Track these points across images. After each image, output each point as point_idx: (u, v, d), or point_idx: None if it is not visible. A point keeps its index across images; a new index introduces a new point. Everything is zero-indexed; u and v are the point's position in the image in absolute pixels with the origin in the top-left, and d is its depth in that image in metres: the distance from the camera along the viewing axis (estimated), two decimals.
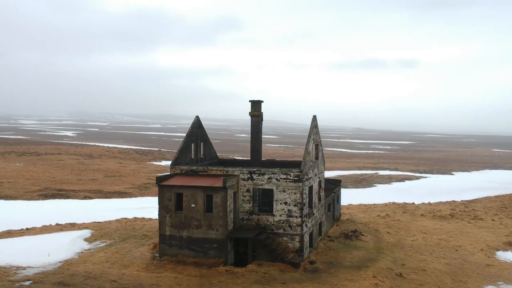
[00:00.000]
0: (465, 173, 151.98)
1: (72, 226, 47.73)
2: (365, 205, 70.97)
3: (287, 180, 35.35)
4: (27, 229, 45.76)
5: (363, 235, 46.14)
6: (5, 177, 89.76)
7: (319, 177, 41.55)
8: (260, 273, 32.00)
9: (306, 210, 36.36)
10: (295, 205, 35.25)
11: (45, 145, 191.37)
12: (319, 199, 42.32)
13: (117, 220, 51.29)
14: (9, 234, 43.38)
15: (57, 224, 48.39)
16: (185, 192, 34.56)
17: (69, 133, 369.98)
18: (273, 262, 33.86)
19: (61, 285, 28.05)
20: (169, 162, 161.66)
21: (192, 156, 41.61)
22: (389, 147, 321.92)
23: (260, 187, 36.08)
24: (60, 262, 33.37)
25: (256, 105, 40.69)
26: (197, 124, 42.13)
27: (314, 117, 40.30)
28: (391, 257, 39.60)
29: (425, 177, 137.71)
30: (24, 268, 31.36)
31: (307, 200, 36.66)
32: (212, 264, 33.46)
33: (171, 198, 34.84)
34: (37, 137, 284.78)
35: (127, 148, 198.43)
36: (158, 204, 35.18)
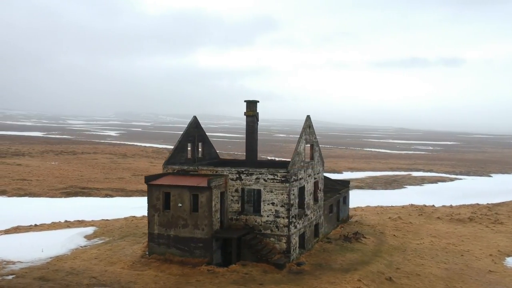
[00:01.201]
0: (505, 175, 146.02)
1: (79, 223, 49.17)
2: (381, 207, 69.48)
3: (274, 181, 35.10)
4: (35, 225, 47.51)
5: (365, 237, 45.19)
6: (36, 175, 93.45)
7: (314, 178, 40.99)
8: (241, 274, 31.92)
9: (295, 211, 35.95)
10: (282, 206, 34.95)
11: (84, 144, 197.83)
12: (316, 200, 41.75)
13: (125, 218, 52.44)
14: (16, 230, 45.21)
15: (65, 221, 49.97)
16: (172, 191, 34.94)
17: (113, 133, 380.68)
18: (257, 263, 33.70)
19: (41, 280, 28.97)
20: None
21: (189, 156, 41.99)
22: (431, 148, 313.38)
23: (248, 187, 36.00)
24: (50, 258, 34.46)
25: (251, 105, 40.62)
26: (194, 124, 42.46)
27: (308, 117, 39.82)
28: (388, 260, 38.61)
29: (460, 179, 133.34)
30: (13, 263, 32.60)
31: (296, 201, 36.23)
32: (198, 263, 33.66)
33: (159, 197, 35.30)
34: (81, 137, 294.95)
35: (162, 148, 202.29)
36: (147, 203, 35.74)
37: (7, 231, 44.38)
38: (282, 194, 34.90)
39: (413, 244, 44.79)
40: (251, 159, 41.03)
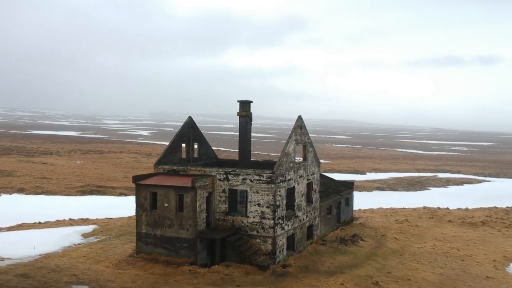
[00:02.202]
0: None
1: (83, 222, 50.16)
2: (392, 209, 68.04)
3: (260, 182, 34.84)
4: (39, 222, 48.76)
5: (363, 240, 44.33)
6: (57, 173, 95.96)
7: (307, 179, 40.45)
8: (221, 274, 31.81)
9: (282, 213, 35.58)
10: (267, 207, 34.66)
11: (113, 143, 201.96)
12: (310, 202, 41.23)
13: (128, 217, 53.12)
14: (19, 227, 46.53)
15: (69, 219, 51.06)
16: (159, 191, 35.18)
17: (145, 133, 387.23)
18: (241, 264, 33.51)
19: (22, 276, 29.65)
20: None
21: (183, 156, 42.17)
22: (465, 149, 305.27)
23: (235, 187, 35.87)
24: (40, 255, 35.25)
25: (244, 105, 40.48)
26: (189, 124, 42.63)
27: (299, 117, 39.38)
28: (380, 264, 37.73)
29: (488, 181, 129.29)
30: (2, 259, 33.51)
31: (284, 202, 35.83)
32: (182, 263, 33.74)
33: (147, 197, 35.60)
34: (114, 136, 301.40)
35: None
36: (135, 202, 36.11)
37: (10, 228, 45.73)
38: (268, 195, 34.61)
39: (413, 248, 43.65)
40: (244, 160, 40.88)
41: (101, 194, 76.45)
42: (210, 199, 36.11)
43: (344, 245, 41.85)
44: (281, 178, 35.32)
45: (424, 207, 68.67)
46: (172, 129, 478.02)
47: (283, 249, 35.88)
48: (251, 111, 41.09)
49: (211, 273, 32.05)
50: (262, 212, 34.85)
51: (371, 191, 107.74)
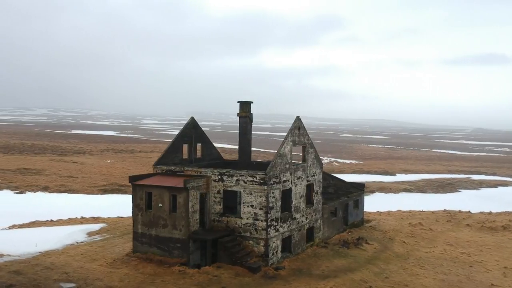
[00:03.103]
0: None
1: (94, 220, 51.23)
2: (410, 211, 66.22)
3: (254, 183, 34.57)
4: (51, 220, 50.08)
5: (368, 243, 43.36)
6: (84, 172, 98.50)
7: (307, 181, 39.86)
8: (210, 276, 31.74)
9: (276, 214, 35.19)
10: (260, 209, 34.36)
11: (146, 143, 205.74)
12: (310, 203, 40.64)
13: None
14: (30, 224, 47.95)
15: (81, 218, 52.25)
16: (154, 191, 35.45)
17: (175, 132, 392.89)
18: (233, 266, 33.36)
19: (15, 273, 30.45)
20: None
21: (185, 157, 42.33)
22: (508, 150, 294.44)
23: (229, 188, 35.75)
24: (39, 252, 36.17)
25: (244, 106, 40.34)
26: (192, 124, 42.80)
27: (297, 118, 38.90)
28: (380, 268, 36.76)
29: None
30: (2, 256, 34.58)
31: (278, 203, 35.42)
32: (175, 264, 33.87)
33: (142, 197, 35.94)
34: (150, 136, 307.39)
35: (222, 147, 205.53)
36: (132, 202, 36.52)
37: (21, 226, 47.22)
38: (260, 197, 34.31)
39: (420, 253, 42.30)
40: (244, 160, 40.71)
41: (122, 193, 77.88)
42: (205, 199, 36.13)
43: (346, 248, 41.03)
44: (274, 180, 34.92)
45: (444, 210, 66.56)
46: (208, 129, 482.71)
47: (277, 251, 35.48)
48: (251, 112, 40.92)
49: (200, 274, 32.03)
50: (255, 213, 34.59)
51: (398, 192, 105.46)
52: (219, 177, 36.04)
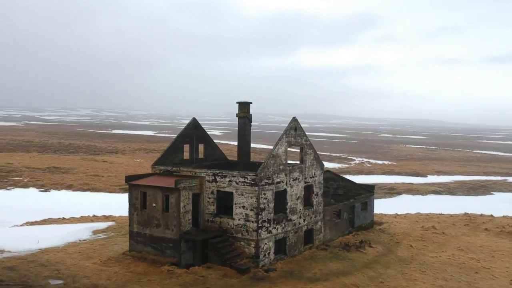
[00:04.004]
0: None
1: (104, 218, 52.35)
2: (428, 214, 64.29)
3: (245, 184, 34.42)
4: (63, 218, 51.51)
5: (371, 246, 42.41)
6: (111, 171, 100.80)
7: (306, 182, 39.33)
8: (197, 276, 31.80)
9: (268, 215, 34.91)
10: (251, 210, 34.18)
11: None
12: (309, 205, 40.11)
13: None
14: (41, 222, 49.43)
15: (93, 216, 53.44)
16: (148, 191, 35.91)
17: (217, 132, 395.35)
18: (223, 266, 33.35)
19: (9, 269, 31.49)
20: None
21: (186, 157, 42.60)
22: None
23: (222, 189, 35.74)
24: (40, 249, 37.25)
25: (243, 106, 40.26)
26: (193, 125, 43.04)
27: (293, 118, 38.51)
28: (377, 273, 35.85)
29: None
30: (2, 252, 35.82)
31: (270, 205, 35.11)
32: (167, 263, 34.20)
33: (138, 197, 36.47)
34: None
35: (255, 147, 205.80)
36: (128, 202, 37.11)
37: (33, 223, 48.76)
38: (251, 198, 34.13)
39: (425, 257, 40.99)
40: (243, 161, 40.62)
41: None
42: (199, 200, 36.29)
43: (346, 251, 40.27)
44: (266, 181, 34.65)
45: (465, 214, 64.26)
46: None
47: (269, 252, 35.18)
48: (250, 113, 40.81)
49: (187, 274, 32.16)
50: (246, 214, 34.44)
51: (426, 194, 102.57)
52: (213, 177, 36.09)
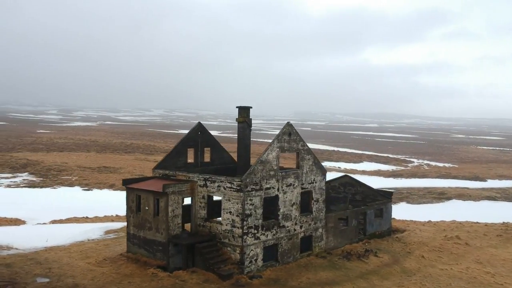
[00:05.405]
0: None
1: (120, 219, 54.10)
2: (461, 223, 60.58)
3: (231, 189, 34.30)
4: (86, 217, 53.91)
5: (376, 255, 40.76)
6: (143, 171, 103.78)
7: (303, 188, 38.50)
8: (177, 280, 32.13)
9: (256, 222, 34.56)
10: (237, 215, 33.99)
11: (234, 143, 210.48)
12: (308, 211, 39.23)
13: None
14: (64, 220, 52.01)
15: (116, 215, 55.47)
16: (142, 195, 36.79)
17: (277, 132, 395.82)
18: (206, 271, 33.47)
19: (5, 266, 33.47)
20: (331, 163, 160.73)
21: (191, 161, 43.10)
22: None
23: (212, 194, 35.87)
24: (44, 247, 39.26)
25: (242, 111, 40.10)
26: (198, 129, 43.48)
27: (287, 123, 37.91)
28: (371, 284, 34.43)
29: None
30: (8, 249, 38.14)
31: (257, 211, 34.69)
32: (157, 266, 34.91)
33: (134, 200, 37.46)
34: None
35: (312, 148, 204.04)
36: (126, 204, 38.21)
37: (54, 221, 51.45)
38: (237, 204, 33.96)
39: (434, 269, 38.76)
40: (242, 165, 40.48)
41: None
42: (191, 204, 36.67)
43: (346, 260, 38.98)
44: (253, 187, 34.32)
45: (503, 223, 59.94)
46: (309, 128, 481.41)
47: (256, 259, 34.80)
48: (250, 117, 40.57)
49: (169, 278, 32.58)
50: (232, 220, 34.30)
51: (478, 200, 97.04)
52: (204, 182, 36.29)
